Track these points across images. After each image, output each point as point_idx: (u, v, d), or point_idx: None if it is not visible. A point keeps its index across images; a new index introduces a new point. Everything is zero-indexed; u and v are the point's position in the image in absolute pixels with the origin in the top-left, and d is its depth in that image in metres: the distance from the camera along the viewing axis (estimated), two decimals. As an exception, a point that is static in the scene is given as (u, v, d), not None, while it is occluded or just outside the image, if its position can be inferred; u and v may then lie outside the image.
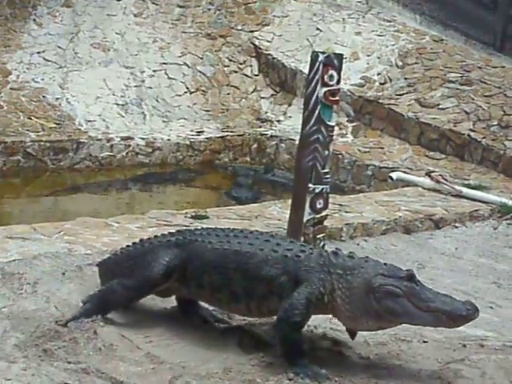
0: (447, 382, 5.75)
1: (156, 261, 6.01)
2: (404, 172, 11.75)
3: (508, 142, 12.64)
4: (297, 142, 9.33)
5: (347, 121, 14.13)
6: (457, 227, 9.90)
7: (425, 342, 6.36)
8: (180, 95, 14.84)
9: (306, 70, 8.75)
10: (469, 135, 12.87)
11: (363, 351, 6.13)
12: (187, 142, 13.74)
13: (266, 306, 5.77)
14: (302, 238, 8.47)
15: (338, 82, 8.52)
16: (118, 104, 14.28)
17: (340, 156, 12.72)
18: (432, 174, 11.19)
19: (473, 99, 13.71)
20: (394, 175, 11.34)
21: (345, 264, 5.66)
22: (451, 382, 5.77)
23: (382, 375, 5.78)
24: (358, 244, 9.00)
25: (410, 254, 8.91)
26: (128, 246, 6.46)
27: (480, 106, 13.50)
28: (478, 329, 6.74)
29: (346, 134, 13.93)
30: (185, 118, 14.54)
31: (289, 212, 8.63)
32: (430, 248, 9.19)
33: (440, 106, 13.68)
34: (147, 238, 6.47)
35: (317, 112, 8.37)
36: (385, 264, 5.75)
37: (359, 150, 13.10)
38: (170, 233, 6.31)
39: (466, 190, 10.84)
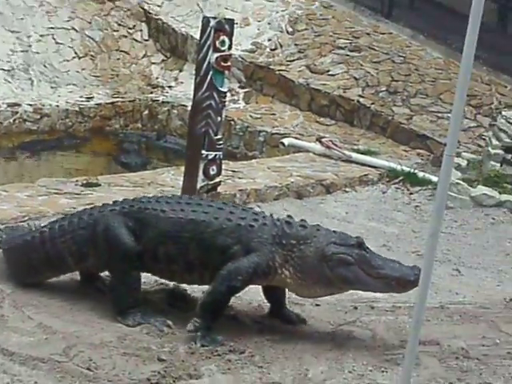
0: (340, 344, 5.88)
1: (116, 233, 5.77)
2: (295, 138, 11.85)
3: (396, 108, 12.87)
4: (189, 109, 9.29)
5: (239, 87, 14.12)
6: (347, 192, 10.05)
7: (317, 305, 6.47)
8: (68, 60, 14.53)
9: (197, 36, 8.70)
10: (358, 101, 13.04)
11: (257, 316, 6.20)
12: (76, 109, 13.49)
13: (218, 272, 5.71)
14: (195, 205, 8.47)
15: (230, 47, 8.52)
16: (3, 69, 13.88)
17: (232, 122, 12.72)
18: (322, 140, 11.31)
19: (362, 65, 13.89)
20: (286, 141, 11.43)
21: (298, 234, 5.73)
22: (344, 343, 5.89)
23: (275, 339, 5.86)
24: (250, 210, 9.02)
25: (302, 219, 8.97)
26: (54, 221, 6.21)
27: (369, 72, 13.69)
28: (368, 291, 6.86)
29: (238, 100, 13.92)
30: (74, 84, 14.26)
31: (182, 179, 8.60)
32: (322, 212, 9.31)
33: (330, 73, 13.81)
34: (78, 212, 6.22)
35: (209, 78, 8.35)
36: (334, 232, 5.86)
37: (251, 116, 13.13)
38: (113, 202, 6.08)
39: (355, 155, 11.01)
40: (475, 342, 6.17)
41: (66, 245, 5.99)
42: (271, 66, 14.11)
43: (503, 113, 10.53)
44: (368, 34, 14.79)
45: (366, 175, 10.45)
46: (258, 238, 5.68)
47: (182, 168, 8.73)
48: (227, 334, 5.77)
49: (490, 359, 5.91)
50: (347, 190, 10.09)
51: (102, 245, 5.85)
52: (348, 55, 14.21)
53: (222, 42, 8.38)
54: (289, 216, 6.00)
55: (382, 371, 5.61)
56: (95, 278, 6.34)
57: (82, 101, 13.73)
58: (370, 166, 10.73)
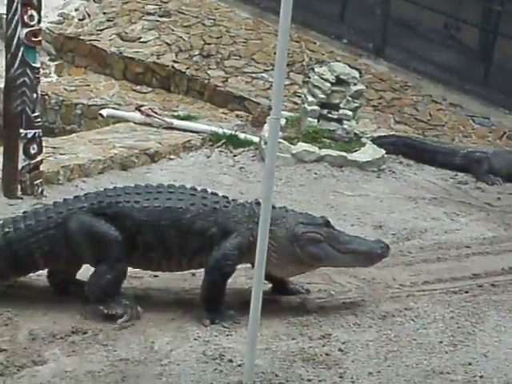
0: (183, 313, 5.94)
1: (96, 226, 5.69)
2: (113, 108, 11.68)
3: (211, 71, 12.92)
4: (2, 87, 8.98)
5: (49, 60, 13.75)
6: (172, 159, 10.04)
7: (155, 276, 6.47)
8: None
9: (4, 11, 8.39)
10: (173, 67, 13.00)
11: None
12: None
13: (198, 259, 5.88)
14: (19, 186, 8.25)
15: (39, 21, 8.30)
16: None
17: (46, 97, 12.38)
18: (142, 108, 11.21)
19: (173, 30, 13.84)
20: (105, 112, 11.26)
21: None
22: (186, 311, 5.95)
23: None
24: (76, 186, 8.87)
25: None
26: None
27: (181, 37, 13.66)
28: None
29: (50, 73, 13.57)
30: None
31: (1, 160, 8.34)
32: (148, 182, 9.24)
33: (142, 40, 13.67)
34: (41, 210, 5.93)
35: (20, 54, 8.12)
36: (300, 213, 6.12)
37: (65, 89, 12.82)
38: (76, 198, 5.92)
39: (176, 122, 11.00)
40: (312, 296, 6.38)
41: (38, 245, 5.79)
42: (81, 37, 13.81)
43: (316, 69, 10.76)
44: (176, -3, 14.75)
45: (189, 141, 10.45)
46: (233, 218, 5.88)
47: (1, 149, 8.46)
48: (70, 314, 5.71)
49: (327, 311, 6.13)
50: (172, 157, 10.08)
51: (83, 241, 5.75)
52: (158, 21, 14.12)
53: (31, 17, 8.16)
54: (256, 200, 6.08)
55: (227, 335, 5.71)
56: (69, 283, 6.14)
57: None
58: (191, 131, 10.74)
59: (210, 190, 6.16)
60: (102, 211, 5.81)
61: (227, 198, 6.13)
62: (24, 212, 6.16)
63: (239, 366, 5.29)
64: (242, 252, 5.85)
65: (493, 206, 9.29)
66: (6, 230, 5.87)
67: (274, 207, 5.91)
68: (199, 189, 6.12)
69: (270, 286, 6.29)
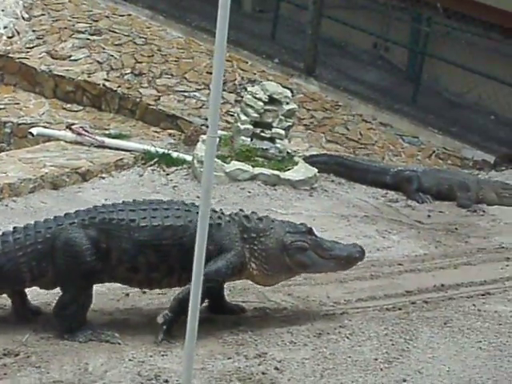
0: (117, 333, 5.86)
1: (77, 249, 5.58)
2: (44, 127, 11.54)
3: (143, 90, 12.87)
4: None
5: (-24, 78, 13.56)
6: (104, 178, 9.95)
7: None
8: None
9: None
10: (104, 85, 12.92)
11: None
12: None
13: None
14: None
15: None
16: None
17: (-25, 115, 12.19)
18: (72, 127, 11.11)
19: (104, 49, 13.76)
20: (35, 131, 11.11)
21: (257, 227, 5.99)
22: (121, 332, 5.88)
23: (50, 337, 5.74)
24: (6, 205, 8.74)
25: (61, 209, 8.76)
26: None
27: (112, 56, 13.59)
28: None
29: (-22, 92, 13.37)
30: None
31: None
32: (80, 201, 9.15)
33: (72, 58, 13.55)
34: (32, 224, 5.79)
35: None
36: (283, 222, 6.20)
37: (-6, 108, 12.65)
38: (67, 215, 5.80)
39: (108, 140, 10.91)
40: (247, 314, 6.37)
41: (25, 259, 5.66)
42: (10, 54, 13.64)
43: (249, 88, 10.79)
44: (107, 16, 14.67)
45: (121, 159, 10.37)
46: (228, 236, 5.91)
47: None
48: (1, 336, 5.59)
49: (262, 329, 6.13)
50: (104, 175, 9.98)
51: (60, 260, 5.64)
52: (89, 39, 14.02)
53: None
54: (241, 210, 6.19)
55: (162, 355, 5.66)
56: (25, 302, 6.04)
57: None
58: (123, 149, 10.66)
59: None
60: (92, 228, 5.70)
61: (216, 211, 6.07)
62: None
63: (175, 386, 5.25)
64: (233, 272, 5.91)
65: (423, 224, 9.40)
66: None
67: (260, 218, 6.08)
68: (190, 203, 6.10)
69: (206, 304, 6.25)
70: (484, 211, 10.03)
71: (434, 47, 14.72)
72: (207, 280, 5.61)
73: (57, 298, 5.86)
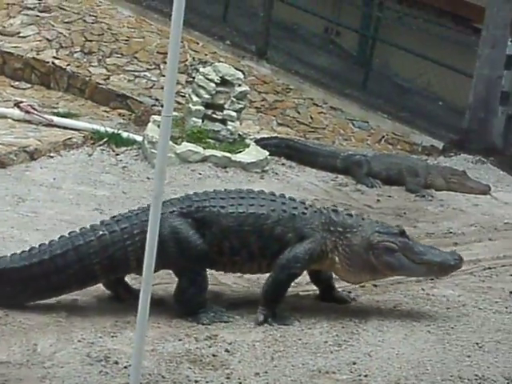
0: (67, 314, 5.79)
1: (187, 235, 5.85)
2: (-9, 104, 11.35)
3: (92, 68, 12.72)
4: None
5: None
6: (52, 157, 9.81)
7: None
8: None
9: None
10: (53, 63, 12.72)
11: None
12: None
13: (276, 262, 5.98)
14: None
15: None
16: None
17: None
18: (20, 105, 10.92)
19: (53, 26, 13.56)
20: (-18, 108, 10.92)
21: (345, 222, 6.10)
22: (70, 313, 5.81)
23: (-1, 316, 5.66)
24: (-47, 184, 8.58)
25: (8, 188, 8.68)
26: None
27: (61, 33, 13.39)
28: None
29: None
30: None
31: None
32: (28, 180, 9.03)
33: (21, 34, 13.33)
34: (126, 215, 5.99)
35: None
36: (376, 222, 6.26)
37: None
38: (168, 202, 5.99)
39: (57, 119, 10.76)
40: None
41: (133, 248, 5.85)
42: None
43: (201, 69, 10.72)
44: (57, -7, 14.46)
45: (70, 139, 10.23)
46: (310, 225, 6.03)
47: None
48: None
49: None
50: (52, 155, 9.84)
51: (171, 247, 5.85)
52: (38, 16, 13.80)
53: None
54: (334, 205, 6.34)
55: (112, 336, 5.62)
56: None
57: None
58: (72, 129, 10.53)
59: (290, 197, 6.32)
60: (190, 216, 5.96)
61: (304, 203, 6.26)
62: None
63: (125, 367, 5.21)
64: (312, 258, 6.02)
65: (372, 208, 9.46)
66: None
67: (351, 215, 6.19)
68: (277, 194, 6.27)
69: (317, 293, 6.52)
70: (432, 196, 10.13)
71: (384, 32, 14.78)
72: (287, 267, 5.98)
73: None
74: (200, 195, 6.17)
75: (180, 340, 5.65)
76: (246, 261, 6.07)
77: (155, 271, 5.75)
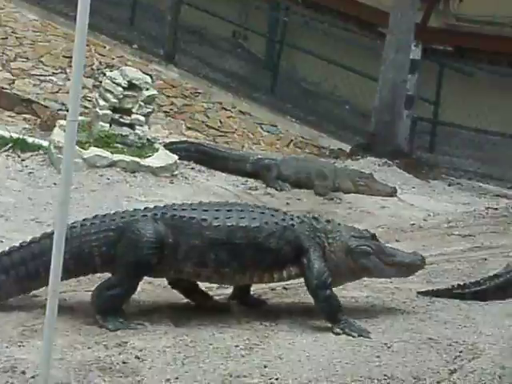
0: None
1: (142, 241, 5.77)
2: None
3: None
4: None
5: None
6: None
7: None
8: None
9: None
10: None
11: None
12: None
13: (269, 273, 6.05)
14: None
15: None
16: None
17: None
18: None
19: None
20: None
21: (326, 228, 6.16)
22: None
23: None
24: None
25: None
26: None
27: None
28: None
29: None
30: None
31: None
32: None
33: None
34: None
35: None
36: (348, 226, 6.34)
37: None
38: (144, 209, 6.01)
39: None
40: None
41: (96, 244, 5.87)
42: None
43: (108, 73, 10.63)
44: (-42, -4, 14.15)
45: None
46: (302, 235, 6.07)
47: None
48: None
49: (123, 318, 6.03)
50: None
51: (122, 247, 5.84)
52: None
53: None
54: (308, 213, 6.39)
55: (19, 345, 5.49)
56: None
57: None
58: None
59: (274, 208, 6.36)
60: (163, 223, 5.88)
61: (286, 213, 6.26)
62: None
63: (32, 377, 5.08)
64: (325, 262, 6.04)
65: (282, 212, 9.49)
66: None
67: (329, 221, 6.25)
68: (263, 207, 6.33)
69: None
70: (340, 199, 10.25)
71: (291, 37, 14.90)
72: (320, 285, 6.00)
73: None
74: (179, 205, 6.15)
75: (89, 348, 5.56)
76: (236, 273, 6.05)
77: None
